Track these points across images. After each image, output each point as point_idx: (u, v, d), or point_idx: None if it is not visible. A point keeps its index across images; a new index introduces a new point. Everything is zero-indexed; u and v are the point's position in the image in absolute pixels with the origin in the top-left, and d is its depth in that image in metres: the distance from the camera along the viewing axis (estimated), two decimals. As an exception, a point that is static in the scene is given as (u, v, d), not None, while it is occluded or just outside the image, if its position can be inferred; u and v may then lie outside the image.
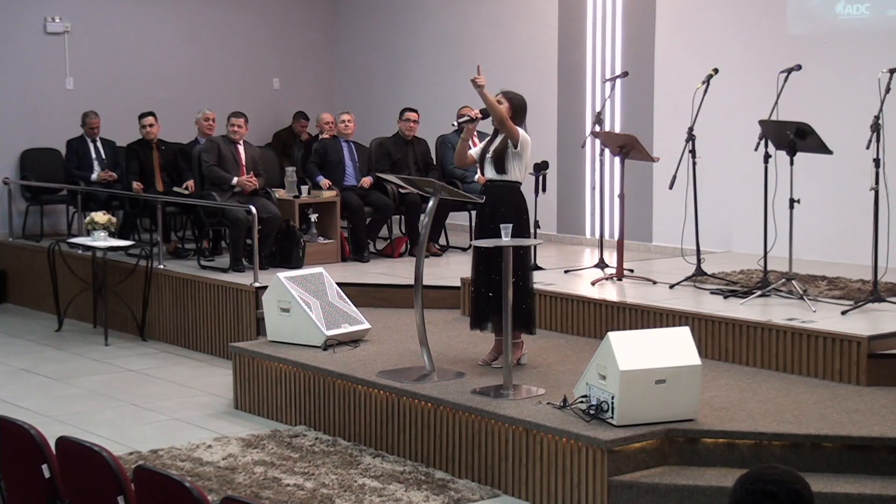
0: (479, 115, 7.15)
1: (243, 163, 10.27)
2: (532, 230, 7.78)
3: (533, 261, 8.83)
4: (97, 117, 11.82)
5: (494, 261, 6.87)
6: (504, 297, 6.54)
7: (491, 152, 7.10)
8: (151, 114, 11.21)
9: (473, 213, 9.40)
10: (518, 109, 7.09)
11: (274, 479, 6.32)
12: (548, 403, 6.27)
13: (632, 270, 8.93)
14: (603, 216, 9.78)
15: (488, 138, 7.28)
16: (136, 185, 10.87)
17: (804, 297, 7.63)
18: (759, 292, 7.86)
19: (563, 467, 5.91)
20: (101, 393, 8.33)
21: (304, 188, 10.58)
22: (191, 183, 10.55)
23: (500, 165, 7.04)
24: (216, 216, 10.20)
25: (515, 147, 7.00)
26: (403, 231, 11.13)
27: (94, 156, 11.80)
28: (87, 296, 10.45)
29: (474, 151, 7.26)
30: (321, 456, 6.74)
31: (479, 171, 7.32)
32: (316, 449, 6.87)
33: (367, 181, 10.75)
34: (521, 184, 7.15)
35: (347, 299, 8.12)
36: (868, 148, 7.36)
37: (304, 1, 14.12)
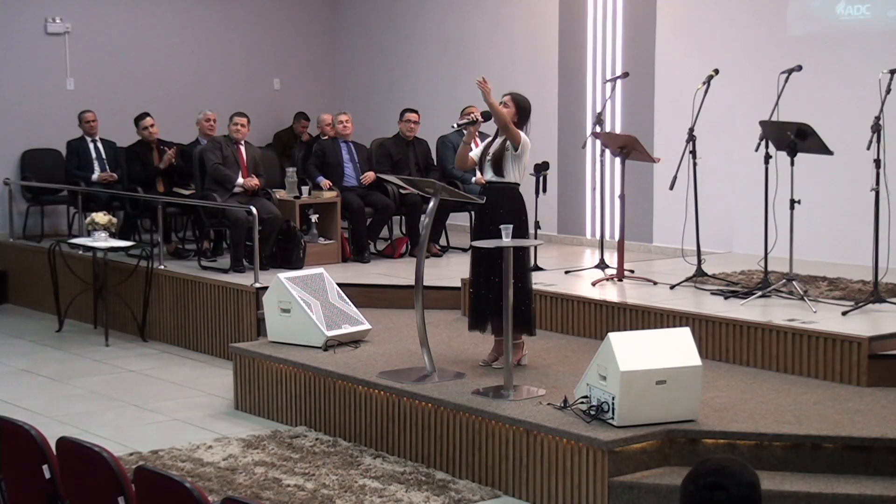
0: (481, 118, 7.14)
1: (244, 163, 10.27)
2: (531, 231, 7.77)
3: (533, 261, 8.83)
4: (92, 112, 11.80)
5: (493, 262, 6.86)
6: (504, 297, 6.54)
7: (490, 154, 7.10)
8: (149, 114, 11.20)
9: (473, 213, 9.40)
10: (523, 112, 7.09)
11: (274, 479, 6.32)
12: (548, 404, 6.27)
13: (632, 271, 8.93)
14: (603, 217, 9.78)
15: (488, 140, 7.28)
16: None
17: (805, 298, 7.62)
18: (759, 293, 7.85)
19: (563, 468, 5.91)
20: (102, 393, 8.33)
21: (305, 189, 10.58)
22: (173, 151, 10.64)
23: (498, 167, 7.03)
24: (217, 217, 10.20)
25: (515, 150, 6.99)
26: (404, 232, 11.13)
27: (94, 156, 11.79)
28: (88, 296, 10.46)
29: (474, 153, 7.26)
30: (322, 456, 6.74)
31: (478, 172, 7.30)
32: (316, 449, 6.87)
33: (369, 176, 10.73)
34: (519, 185, 7.14)
35: (348, 300, 8.12)
36: (868, 149, 7.36)
37: (305, 1, 14.13)
